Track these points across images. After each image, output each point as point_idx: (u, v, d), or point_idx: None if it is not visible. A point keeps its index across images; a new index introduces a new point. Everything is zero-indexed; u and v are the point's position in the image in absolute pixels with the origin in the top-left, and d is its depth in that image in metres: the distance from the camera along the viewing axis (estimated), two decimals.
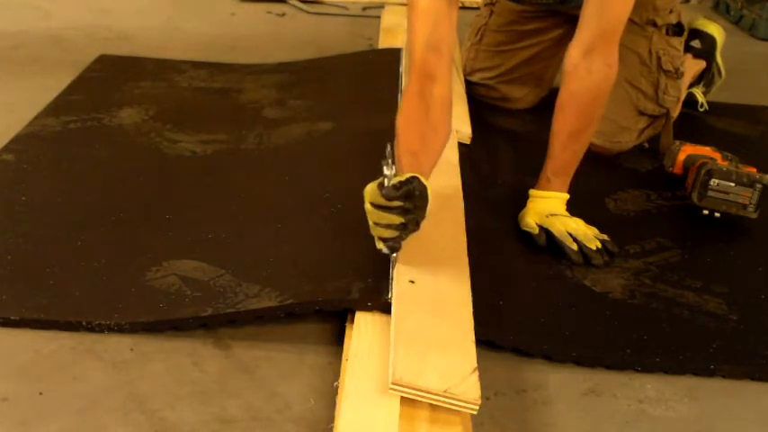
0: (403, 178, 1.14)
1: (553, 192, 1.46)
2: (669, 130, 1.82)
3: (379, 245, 1.18)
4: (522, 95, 2.00)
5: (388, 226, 1.15)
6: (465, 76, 2.04)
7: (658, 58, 1.80)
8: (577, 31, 1.39)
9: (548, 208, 1.45)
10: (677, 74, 1.82)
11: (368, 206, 1.16)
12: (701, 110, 2.08)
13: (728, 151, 1.67)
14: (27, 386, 1.08)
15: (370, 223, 1.17)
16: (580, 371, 1.17)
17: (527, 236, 1.45)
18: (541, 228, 1.43)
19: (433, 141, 1.30)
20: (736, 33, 2.78)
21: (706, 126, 2.03)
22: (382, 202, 1.14)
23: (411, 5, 1.31)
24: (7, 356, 1.13)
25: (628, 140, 1.82)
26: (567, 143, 1.43)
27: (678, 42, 1.84)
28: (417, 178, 1.15)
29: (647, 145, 1.86)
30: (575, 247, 1.40)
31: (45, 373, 1.10)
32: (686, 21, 1.91)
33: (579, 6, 1.39)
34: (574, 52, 1.39)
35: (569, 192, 1.47)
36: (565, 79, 1.42)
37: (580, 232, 1.42)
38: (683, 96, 1.89)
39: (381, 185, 1.14)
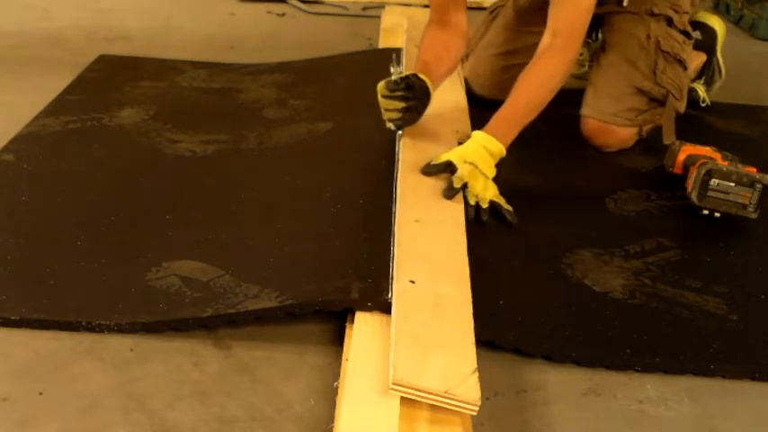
0: (403, 75, 1.55)
1: (492, 137, 1.48)
2: (671, 118, 1.81)
3: (388, 124, 1.58)
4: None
5: (394, 110, 1.55)
6: (465, 56, 2.06)
7: (657, 41, 1.82)
8: (547, 22, 1.60)
9: (470, 154, 1.46)
10: (677, 59, 1.83)
11: (379, 98, 1.55)
12: (703, 105, 2.09)
13: (728, 151, 1.67)
14: (27, 386, 1.08)
15: (382, 110, 1.56)
16: (580, 371, 1.18)
17: (527, 235, 1.45)
18: (449, 163, 1.45)
19: (445, 57, 1.68)
20: (736, 33, 2.78)
21: (706, 126, 2.03)
22: (387, 93, 1.54)
23: None
24: (7, 356, 1.13)
25: (624, 118, 1.80)
26: (516, 93, 1.56)
27: (680, 37, 1.84)
28: (416, 75, 1.56)
29: (644, 134, 1.84)
30: (457, 185, 1.42)
31: (45, 373, 1.10)
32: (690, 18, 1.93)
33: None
34: (543, 38, 1.59)
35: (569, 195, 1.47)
36: (533, 57, 1.60)
37: (479, 188, 1.44)
38: (686, 88, 1.87)
39: (387, 81, 1.53)
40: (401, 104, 1.55)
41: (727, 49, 2.13)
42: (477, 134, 1.50)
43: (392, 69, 1.60)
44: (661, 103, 1.82)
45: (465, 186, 1.43)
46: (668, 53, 1.82)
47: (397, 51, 2.14)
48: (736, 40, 2.67)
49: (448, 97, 1.87)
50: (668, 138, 1.78)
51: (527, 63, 1.95)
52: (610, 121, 1.81)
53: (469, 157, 1.45)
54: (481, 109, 1.96)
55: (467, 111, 1.84)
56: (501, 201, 1.47)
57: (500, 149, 1.49)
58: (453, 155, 1.46)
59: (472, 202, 1.43)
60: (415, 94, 1.55)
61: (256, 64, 2.22)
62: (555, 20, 1.58)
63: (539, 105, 1.55)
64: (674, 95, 1.82)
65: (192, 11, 2.74)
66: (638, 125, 1.83)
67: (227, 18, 2.71)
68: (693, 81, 2.07)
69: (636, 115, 1.82)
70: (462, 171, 1.43)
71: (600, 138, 1.82)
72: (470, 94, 1.97)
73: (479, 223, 1.42)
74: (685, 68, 1.85)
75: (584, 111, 1.85)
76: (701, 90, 2.09)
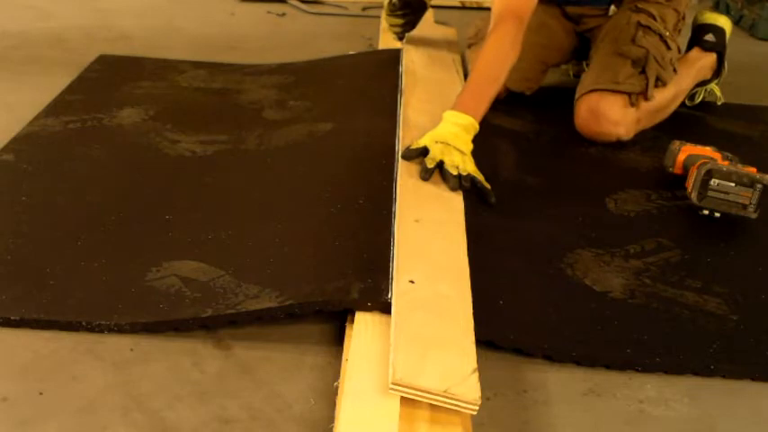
0: None
1: (460, 113, 1.52)
2: (653, 76, 1.84)
3: (393, 36, 2.15)
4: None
5: (396, 25, 2.11)
6: (468, 45, 2.12)
7: (638, 21, 1.89)
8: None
9: (441, 134, 1.50)
10: (657, 33, 1.87)
11: (383, 16, 2.17)
12: (719, 103, 2.12)
13: (728, 151, 1.67)
14: (27, 386, 1.08)
15: (387, 25, 2.16)
16: (580, 371, 1.17)
17: (528, 235, 1.45)
18: (425, 148, 1.49)
19: None
20: (736, 33, 2.76)
21: (706, 126, 2.03)
22: (389, 12, 2.10)
23: None
24: (7, 356, 1.13)
25: (608, 81, 1.82)
26: (474, 70, 1.64)
27: (661, 25, 1.90)
28: None
29: (635, 102, 1.85)
30: (430, 165, 1.46)
31: (45, 373, 1.10)
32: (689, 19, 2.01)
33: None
34: (490, 24, 1.70)
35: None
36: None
37: (457, 161, 1.47)
38: (668, 60, 1.90)
39: (389, 4, 2.07)
40: (401, 21, 2.09)
41: (727, 49, 2.14)
42: (446, 114, 1.54)
43: None
44: (643, 68, 1.85)
45: (442, 164, 1.46)
46: (648, 27, 1.88)
47: (397, 51, 2.15)
48: (737, 40, 2.65)
49: (448, 97, 1.87)
50: (650, 95, 1.84)
51: (534, 56, 2.00)
52: (594, 87, 1.83)
53: (440, 136, 1.49)
54: None
55: None
56: (480, 177, 1.49)
57: (470, 122, 1.52)
58: (426, 138, 1.51)
59: (454, 173, 1.45)
60: (412, 10, 2.07)
61: (256, 64, 2.22)
62: (494, 8, 1.71)
63: (497, 77, 1.62)
64: (655, 59, 1.85)
65: (192, 11, 2.74)
66: (624, 91, 1.83)
67: (227, 18, 2.71)
68: (710, 82, 2.09)
69: (623, 78, 1.83)
70: (434, 151, 1.48)
71: (593, 121, 1.83)
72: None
73: (462, 190, 1.45)
74: (669, 48, 1.88)
75: (576, 96, 1.89)
76: (717, 90, 2.12)
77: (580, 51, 2.08)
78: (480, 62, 1.64)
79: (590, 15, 2.01)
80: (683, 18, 1.97)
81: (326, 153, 1.70)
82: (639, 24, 1.88)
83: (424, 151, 1.49)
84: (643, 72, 1.84)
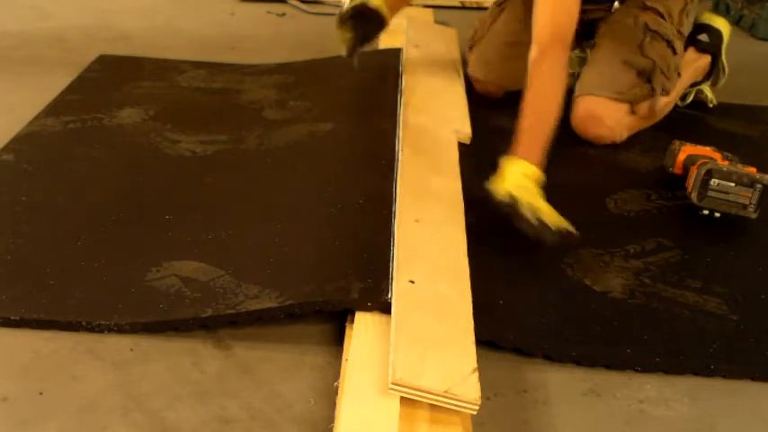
0: (353, 5, 1.75)
1: (524, 161, 1.43)
2: (658, 92, 1.85)
3: (342, 50, 1.81)
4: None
5: (345, 39, 1.79)
6: (469, 47, 2.09)
7: (645, 23, 1.87)
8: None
9: (518, 179, 1.41)
10: (665, 39, 1.86)
11: (335, 29, 1.79)
12: (711, 105, 2.11)
13: (728, 151, 1.67)
14: (27, 386, 1.08)
15: (339, 40, 1.80)
16: (580, 371, 1.18)
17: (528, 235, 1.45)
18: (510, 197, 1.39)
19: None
20: (736, 33, 2.76)
21: (706, 126, 2.03)
22: (338, 24, 1.78)
23: None
24: (7, 356, 1.13)
25: (611, 90, 1.82)
26: (526, 111, 1.51)
27: (671, 28, 1.88)
28: (365, 4, 1.76)
29: (636, 111, 1.85)
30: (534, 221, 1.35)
31: (45, 373, 1.10)
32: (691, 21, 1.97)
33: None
34: (530, 51, 1.58)
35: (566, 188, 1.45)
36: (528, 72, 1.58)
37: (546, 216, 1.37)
38: (673, 69, 1.89)
39: (340, 13, 1.76)
40: (350, 34, 1.79)
41: (727, 49, 2.13)
42: (507, 164, 1.44)
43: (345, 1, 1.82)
44: (649, 79, 1.84)
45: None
46: (656, 32, 1.86)
47: (397, 51, 2.15)
48: (737, 40, 2.65)
49: (448, 97, 1.87)
50: (655, 108, 1.85)
51: (523, 52, 1.98)
52: (597, 93, 1.83)
53: (515, 189, 1.40)
54: (482, 109, 1.97)
55: (467, 111, 1.84)
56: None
57: (535, 171, 1.44)
58: (507, 188, 1.40)
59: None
60: (365, 21, 1.79)
61: (256, 64, 2.22)
62: (535, 29, 1.60)
63: (553, 111, 1.53)
64: (661, 70, 1.84)
65: (192, 11, 2.74)
66: (626, 101, 1.83)
67: (227, 18, 2.71)
68: (700, 83, 2.08)
69: (627, 88, 1.83)
70: (525, 207, 1.37)
71: (590, 124, 1.83)
72: (470, 93, 1.97)
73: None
74: (675, 53, 1.88)
75: (575, 93, 1.88)
76: (708, 92, 2.11)
77: (582, 36, 2.06)
78: (535, 100, 1.53)
79: (593, 11, 2.00)
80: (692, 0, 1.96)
81: (326, 153, 1.70)
82: (647, 28, 1.85)
83: (515, 202, 1.38)
84: (648, 82, 1.84)
